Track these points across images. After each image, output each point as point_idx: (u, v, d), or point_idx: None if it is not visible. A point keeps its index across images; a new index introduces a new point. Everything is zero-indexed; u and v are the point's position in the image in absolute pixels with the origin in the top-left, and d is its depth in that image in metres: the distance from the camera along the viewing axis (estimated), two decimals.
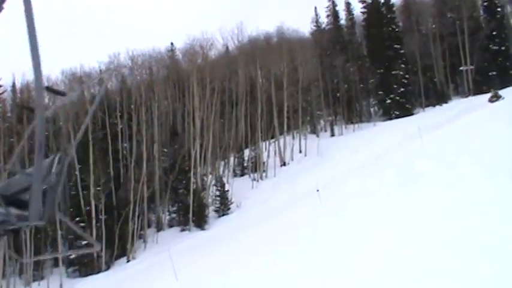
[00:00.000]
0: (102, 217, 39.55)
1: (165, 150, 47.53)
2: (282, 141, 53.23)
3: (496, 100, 38.01)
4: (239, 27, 58.93)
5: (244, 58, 56.81)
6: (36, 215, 2.01)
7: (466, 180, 11.31)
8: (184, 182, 44.23)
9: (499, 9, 66.67)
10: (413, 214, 10.44)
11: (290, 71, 55.53)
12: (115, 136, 46.56)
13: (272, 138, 53.75)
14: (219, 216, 43.04)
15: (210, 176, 47.92)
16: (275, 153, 52.90)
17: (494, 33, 63.04)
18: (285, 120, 52.45)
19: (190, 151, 45.13)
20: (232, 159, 53.40)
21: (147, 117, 46.54)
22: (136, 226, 41.14)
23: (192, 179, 44.07)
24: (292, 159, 52.11)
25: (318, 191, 23.76)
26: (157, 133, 47.24)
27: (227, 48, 63.57)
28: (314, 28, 71.43)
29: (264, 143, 53.68)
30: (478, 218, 8.27)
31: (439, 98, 60.48)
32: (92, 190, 39.11)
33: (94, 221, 39.15)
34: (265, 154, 52.49)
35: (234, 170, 52.79)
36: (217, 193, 44.03)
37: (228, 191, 44.34)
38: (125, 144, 47.73)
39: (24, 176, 2.22)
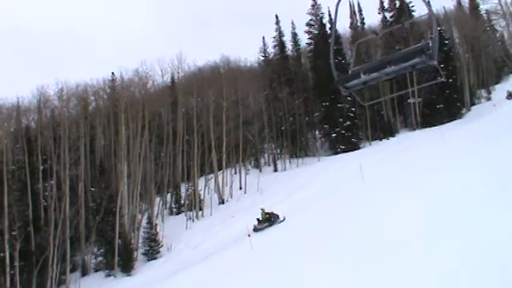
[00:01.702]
0: (17, 264, 38.73)
1: (93, 189, 47.30)
2: (221, 177, 53.91)
3: None
4: (179, 58, 59.93)
5: (183, 90, 57.89)
6: None
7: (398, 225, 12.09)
8: (111, 223, 44.04)
9: (446, 42, 70.85)
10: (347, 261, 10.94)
11: (233, 103, 56.89)
12: (34, 174, 46.00)
13: (211, 173, 54.47)
14: (148, 260, 43.02)
15: (141, 216, 47.86)
16: (214, 190, 53.52)
17: (441, 65, 66.58)
18: (224, 155, 53.33)
19: (119, 190, 45.10)
20: (168, 196, 53.71)
21: (71, 154, 46.34)
22: (55, 272, 40.48)
23: (120, 220, 43.97)
24: (232, 197, 52.91)
25: (249, 236, 24.56)
26: (84, 171, 47.03)
27: (173, 79, 64.56)
28: (261, 58, 73.54)
29: (203, 178, 54.31)
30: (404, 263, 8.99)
31: (386, 131, 63.25)
32: (6, 236, 38.38)
33: (8, 269, 38.28)
34: (204, 191, 53.00)
35: (170, 208, 53.06)
36: (146, 235, 44.03)
37: (158, 232, 44.43)
38: (46, 184, 47.22)
39: None
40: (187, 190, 52.62)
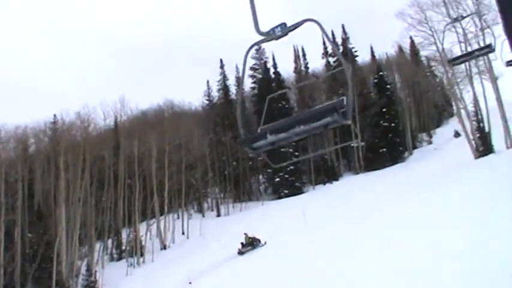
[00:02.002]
0: None
1: (30, 234, 49.77)
2: (163, 222, 57.66)
3: None
4: (122, 101, 64.16)
5: (126, 133, 61.95)
6: None
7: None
8: (49, 270, 46.48)
9: (388, 86, 78.63)
10: None
11: (176, 147, 61.31)
12: None
13: (153, 218, 58.12)
14: None
15: (80, 263, 50.60)
16: (156, 235, 57.10)
17: (384, 109, 74.23)
18: (166, 199, 57.30)
19: (57, 235, 47.88)
20: (109, 241, 56.77)
21: (8, 198, 48.88)
22: None
23: (58, 267, 46.53)
24: (174, 242, 56.64)
25: (190, 283, 28.46)
26: (21, 216, 49.50)
27: (116, 122, 68.07)
28: (206, 102, 78.86)
29: (145, 223, 57.87)
30: None
31: (329, 175, 69.15)
32: None
33: None
34: (145, 236, 56.45)
35: (111, 254, 56.07)
36: (85, 282, 46.71)
37: (97, 280, 47.30)
38: None
39: None
40: (128, 235, 56.05)
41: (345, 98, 4.00)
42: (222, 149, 70.09)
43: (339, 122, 3.80)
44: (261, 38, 4.18)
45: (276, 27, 4.07)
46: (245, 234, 37.24)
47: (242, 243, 36.32)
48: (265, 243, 35.87)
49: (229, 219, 60.46)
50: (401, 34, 61.37)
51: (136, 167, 57.54)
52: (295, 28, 4.00)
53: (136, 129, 61.57)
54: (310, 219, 38.73)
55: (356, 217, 29.81)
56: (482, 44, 48.94)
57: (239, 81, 76.78)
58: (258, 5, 4.18)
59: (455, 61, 13.41)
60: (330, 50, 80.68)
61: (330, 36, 78.47)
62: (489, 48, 13.36)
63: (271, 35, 4.10)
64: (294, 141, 4.34)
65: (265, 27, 4.13)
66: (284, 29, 4.05)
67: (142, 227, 57.20)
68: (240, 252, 35.13)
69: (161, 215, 58.20)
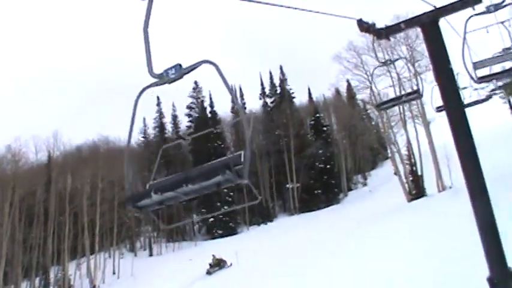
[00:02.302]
0: None
1: None
2: (93, 260, 61.43)
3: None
4: (55, 136, 67.92)
5: (59, 169, 65.71)
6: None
7: None
8: None
9: (325, 128, 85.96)
10: None
11: (109, 184, 65.58)
12: None
13: (83, 257, 61.77)
14: None
15: None
16: (86, 275, 60.78)
17: (320, 151, 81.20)
18: (97, 237, 61.31)
19: None
20: (37, 280, 59.74)
21: None
22: None
23: None
24: (104, 282, 60.44)
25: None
26: None
27: (49, 157, 70.99)
28: (141, 139, 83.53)
29: (75, 262, 61.41)
30: None
31: (264, 215, 74.92)
32: None
33: None
34: (74, 275, 60.00)
35: None
36: None
37: None
38: None
39: None
40: (56, 274, 59.38)
41: (242, 152, 3.81)
42: None
43: (233, 181, 3.63)
44: (154, 80, 3.91)
45: (170, 68, 3.84)
46: (213, 255, 46.24)
47: (210, 264, 45.14)
48: (231, 264, 44.88)
49: (162, 259, 64.43)
50: (337, 77, 68.14)
51: (67, 203, 61.31)
52: (191, 70, 3.84)
53: (69, 165, 65.42)
54: (243, 260, 44.39)
55: (289, 258, 34.94)
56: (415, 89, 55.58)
57: (175, 119, 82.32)
58: (154, 44, 4.03)
59: (383, 106, 14.06)
60: (267, 90, 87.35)
61: (268, 76, 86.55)
62: (417, 94, 14.17)
63: (164, 78, 3.85)
64: (184, 200, 4.09)
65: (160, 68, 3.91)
66: (179, 71, 3.82)
67: (71, 266, 60.65)
68: (209, 272, 44.00)
69: (92, 253, 61.88)
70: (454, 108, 6.38)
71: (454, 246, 19.25)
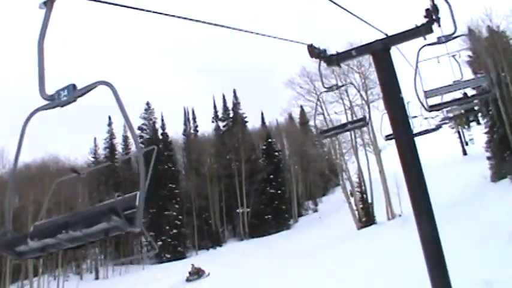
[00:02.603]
0: None
1: None
2: (36, 284, 59.57)
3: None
4: (1, 153, 65.94)
5: (1, 187, 63.62)
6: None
7: None
8: None
9: (277, 154, 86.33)
10: None
11: (56, 205, 63.87)
12: None
13: (26, 280, 59.81)
14: None
15: None
16: None
17: (271, 176, 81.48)
18: (41, 260, 59.42)
19: None
20: None
21: None
22: None
23: None
24: None
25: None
26: None
27: None
28: (91, 159, 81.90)
29: (17, 285, 59.34)
30: None
31: (214, 240, 74.43)
32: None
33: None
34: None
35: None
36: None
37: None
38: None
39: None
40: None
41: (138, 193, 3.49)
42: None
43: (122, 228, 3.11)
44: (45, 102, 3.53)
45: (63, 89, 3.46)
46: (192, 264, 51.52)
47: (189, 272, 50.12)
48: (208, 274, 49.27)
49: (109, 282, 63.16)
50: (289, 102, 68.87)
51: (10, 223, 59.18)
52: (86, 92, 3.46)
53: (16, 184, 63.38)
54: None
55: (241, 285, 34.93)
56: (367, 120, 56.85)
57: (126, 140, 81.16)
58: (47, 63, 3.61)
59: (327, 133, 13.09)
60: (220, 114, 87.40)
61: (221, 100, 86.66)
62: (363, 122, 13.64)
63: (55, 101, 3.47)
64: (69, 248, 3.41)
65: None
66: (71, 93, 3.44)
67: None
68: (188, 280, 49.34)
69: (35, 276, 59.96)
70: (403, 136, 6.44)
71: (403, 273, 19.54)
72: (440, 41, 8.06)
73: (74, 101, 3.45)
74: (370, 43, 6.90)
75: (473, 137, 79.72)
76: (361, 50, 7.09)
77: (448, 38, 8.10)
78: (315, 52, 6.81)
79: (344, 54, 7.17)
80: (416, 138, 7.09)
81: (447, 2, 7.81)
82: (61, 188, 68.44)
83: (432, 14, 6.77)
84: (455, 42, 9.76)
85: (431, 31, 6.76)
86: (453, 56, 14.21)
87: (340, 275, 25.27)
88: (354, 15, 6.80)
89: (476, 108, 49.00)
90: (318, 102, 54.97)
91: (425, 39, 7.08)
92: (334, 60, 7.11)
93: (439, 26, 7.07)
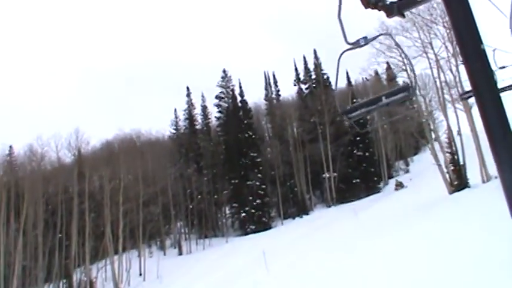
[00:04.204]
0: None
1: None
2: (118, 262, 57.16)
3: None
4: (77, 133, 63.76)
5: (88, 166, 61.72)
6: None
7: None
8: None
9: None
10: None
11: (133, 181, 61.18)
12: None
13: (107, 257, 57.66)
14: None
15: None
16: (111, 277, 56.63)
17: (358, 138, 74.36)
18: (120, 238, 56.90)
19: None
20: (60, 284, 56.23)
21: None
22: None
23: None
24: (129, 284, 56.05)
25: None
26: None
27: (78, 154, 67.35)
28: (173, 131, 78.95)
29: (101, 263, 57.36)
30: None
31: (300, 208, 69.05)
32: None
33: None
34: (98, 278, 55.99)
35: None
36: None
37: None
38: None
39: None
40: (80, 277, 55.51)
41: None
42: (185, 181, 69.96)
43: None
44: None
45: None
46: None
47: None
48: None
49: (191, 258, 59.60)
50: (369, 60, 62.00)
51: (87, 203, 57.17)
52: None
53: (89, 163, 61.49)
54: (272, 262, 38.94)
55: (325, 258, 29.91)
56: (454, 73, 49.30)
57: (204, 110, 77.21)
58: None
59: (351, 113, 11.28)
60: (302, 76, 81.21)
61: (302, 62, 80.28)
62: (406, 93, 11.43)
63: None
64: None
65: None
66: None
67: (96, 268, 56.85)
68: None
69: (116, 254, 57.66)
70: (487, 94, 4.91)
71: (499, 239, 15.70)
72: None
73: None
74: None
75: None
76: None
77: None
78: (370, 2, 5.27)
79: (406, 0, 5.48)
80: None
81: None
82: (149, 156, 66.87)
83: None
84: None
85: None
86: None
87: (427, 247, 20.46)
88: None
89: None
90: (405, 60, 48.48)
91: None
92: (394, 8, 5.42)
93: None
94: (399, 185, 62.70)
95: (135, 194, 60.70)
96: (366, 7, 5.62)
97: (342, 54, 5.33)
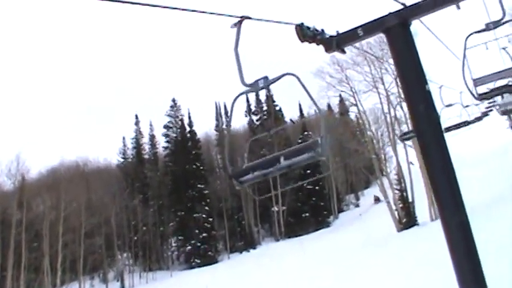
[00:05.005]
0: None
1: None
2: None
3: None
4: (17, 160, 62.08)
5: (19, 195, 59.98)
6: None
7: None
8: None
9: None
10: None
11: (75, 211, 59.88)
12: None
13: None
14: None
15: None
16: None
17: (308, 171, 74.71)
18: (59, 272, 55.41)
19: None
20: None
21: None
22: None
23: None
24: None
25: None
26: None
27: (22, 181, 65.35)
28: (121, 160, 77.94)
29: None
30: None
31: (247, 242, 68.90)
32: None
33: None
34: None
35: None
36: None
37: None
38: None
39: None
40: None
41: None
42: (130, 213, 68.89)
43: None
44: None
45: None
46: None
47: None
48: None
49: None
50: (319, 93, 62.64)
51: (24, 234, 55.48)
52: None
53: (30, 191, 59.98)
54: None
55: None
56: (404, 110, 50.18)
57: (152, 139, 76.65)
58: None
59: (242, 177, 8.63)
60: (253, 107, 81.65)
61: (254, 93, 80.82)
62: (312, 152, 10.37)
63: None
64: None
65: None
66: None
67: None
68: None
69: (54, 287, 56.11)
70: (430, 138, 5.11)
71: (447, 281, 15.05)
72: (488, 27, 7.90)
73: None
74: (382, 17, 5.23)
75: None
76: (370, 27, 5.36)
77: (496, 25, 7.89)
78: (306, 34, 5.19)
79: (347, 35, 5.46)
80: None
81: None
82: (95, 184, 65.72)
83: None
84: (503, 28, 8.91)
85: None
86: (503, 48, 13.68)
87: (379, 281, 22.49)
88: None
89: None
90: (356, 96, 50.21)
91: (458, 7, 5.30)
92: (333, 43, 5.42)
93: None
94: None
95: (78, 224, 59.35)
96: (302, 41, 5.47)
97: (236, 99, 5.05)
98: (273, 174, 4.72)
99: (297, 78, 4.54)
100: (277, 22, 5.61)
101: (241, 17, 4.78)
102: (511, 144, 61.93)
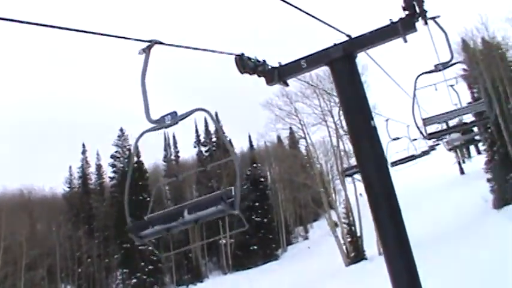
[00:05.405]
0: None
1: None
2: None
3: None
4: None
5: None
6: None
7: None
8: None
9: (262, 179, 79.87)
10: None
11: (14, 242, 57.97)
12: None
13: None
14: None
15: None
16: None
17: (256, 203, 74.86)
18: None
19: None
20: None
21: None
22: None
23: None
24: None
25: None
26: None
27: None
28: (67, 189, 76.13)
29: None
30: None
31: (194, 275, 68.26)
32: None
33: None
34: None
35: None
36: None
37: None
38: None
39: None
40: None
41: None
42: (74, 244, 67.25)
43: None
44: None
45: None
46: None
47: None
48: None
49: None
50: (267, 126, 62.74)
51: None
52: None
53: None
54: None
55: None
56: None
57: (99, 169, 75.45)
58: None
59: (142, 231, 8.04)
60: (202, 139, 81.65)
61: (203, 124, 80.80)
62: (221, 206, 9.24)
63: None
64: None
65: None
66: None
67: None
68: None
69: None
70: (374, 173, 5.02)
71: None
72: (437, 68, 8.29)
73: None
74: (327, 49, 5.22)
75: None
76: (313, 59, 5.32)
77: (445, 66, 8.30)
78: (246, 65, 5.07)
79: (289, 67, 5.41)
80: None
81: (443, 30, 7.56)
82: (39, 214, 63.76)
83: (414, 4, 4.89)
84: (452, 70, 9.71)
85: (412, 28, 4.97)
86: (451, 85, 14.33)
87: None
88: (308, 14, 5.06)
89: (476, 137, 48.50)
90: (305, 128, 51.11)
91: (405, 41, 5.17)
92: (275, 75, 5.36)
93: (425, 22, 5.49)
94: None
95: (19, 255, 57.45)
96: (242, 72, 5.36)
97: (139, 138, 4.82)
98: (178, 229, 4.60)
99: (209, 114, 4.43)
100: (194, 49, 5.26)
101: (150, 41, 4.45)
102: (457, 179, 64.57)
